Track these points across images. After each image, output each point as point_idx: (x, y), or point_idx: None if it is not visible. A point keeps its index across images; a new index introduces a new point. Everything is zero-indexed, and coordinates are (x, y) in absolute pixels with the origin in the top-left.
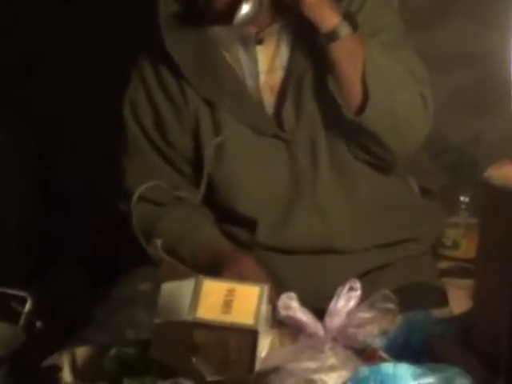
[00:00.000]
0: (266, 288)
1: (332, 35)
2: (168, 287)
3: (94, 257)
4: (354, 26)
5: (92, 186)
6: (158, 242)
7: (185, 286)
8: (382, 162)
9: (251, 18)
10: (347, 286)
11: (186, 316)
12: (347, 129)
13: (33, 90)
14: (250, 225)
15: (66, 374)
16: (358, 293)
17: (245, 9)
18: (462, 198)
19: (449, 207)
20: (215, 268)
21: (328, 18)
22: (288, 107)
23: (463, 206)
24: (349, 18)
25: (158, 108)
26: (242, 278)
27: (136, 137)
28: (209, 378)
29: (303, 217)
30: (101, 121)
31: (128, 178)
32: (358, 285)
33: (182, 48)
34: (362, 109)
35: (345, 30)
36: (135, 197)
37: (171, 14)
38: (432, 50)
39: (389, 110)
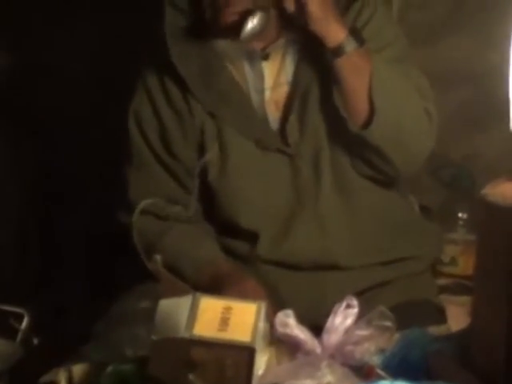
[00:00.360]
0: (263, 305)
1: (338, 50)
2: (165, 304)
3: (92, 272)
4: (361, 41)
5: (91, 199)
6: (158, 257)
7: (182, 303)
8: (385, 177)
9: (258, 33)
10: (344, 304)
11: (183, 333)
12: (351, 143)
13: (33, 98)
14: (251, 238)
15: None
16: (356, 310)
17: (251, 23)
18: (460, 215)
19: (447, 223)
20: (216, 288)
21: (334, 33)
22: (292, 122)
23: (461, 223)
24: (355, 33)
25: (162, 120)
26: (242, 298)
27: (140, 149)
28: None
29: (304, 230)
30: (102, 130)
31: (131, 190)
32: (355, 302)
33: (188, 61)
34: (367, 123)
35: (351, 45)
36: (136, 212)
37: (177, 27)
38: (431, 66)
39: (394, 125)
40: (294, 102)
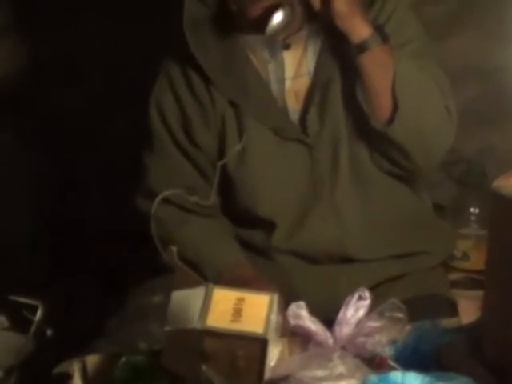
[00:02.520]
0: (276, 297)
1: (363, 46)
2: (178, 295)
3: (105, 266)
4: (385, 38)
5: (106, 194)
6: (174, 248)
7: (195, 294)
8: (405, 173)
9: (284, 27)
10: (356, 296)
11: (195, 324)
12: (372, 138)
13: (42, 89)
14: (267, 228)
15: (77, 381)
16: (367, 302)
17: (277, 19)
18: (471, 210)
19: (459, 219)
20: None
21: (360, 29)
22: (313, 113)
23: (473, 218)
24: (379, 29)
25: (184, 108)
26: None
27: (161, 136)
28: None
29: (320, 221)
30: (115, 123)
31: (150, 177)
32: (367, 294)
33: (208, 50)
34: (389, 120)
35: (376, 41)
36: (157, 201)
37: (197, 16)
38: (444, 61)
39: (416, 122)
40: (314, 92)
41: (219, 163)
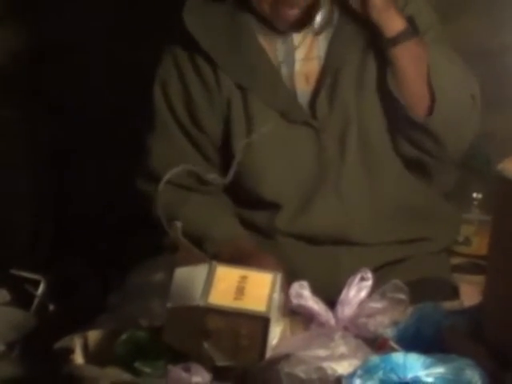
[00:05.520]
0: (279, 276)
1: (397, 39)
2: (181, 272)
3: (107, 243)
4: (416, 30)
5: (107, 172)
6: (179, 224)
7: (198, 272)
8: (430, 159)
9: (324, 27)
10: (358, 276)
11: (198, 301)
12: (403, 127)
13: (48, 75)
14: (271, 210)
15: (78, 356)
16: (370, 283)
17: (319, 19)
18: (474, 195)
19: (461, 204)
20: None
21: (394, 23)
22: (322, 96)
23: (476, 203)
24: (410, 20)
25: (189, 89)
26: None
27: (164, 117)
28: (219, 364)
29: (324, 205)
30: (117, 110)
31: (153, 159)
32: (369, 275)
33: (213, 32)
34: (428, 110)
35: (410, 33)
36: (163, 182)
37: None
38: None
39: (452, 111)
40: (325, 76)
41: (244, 142)
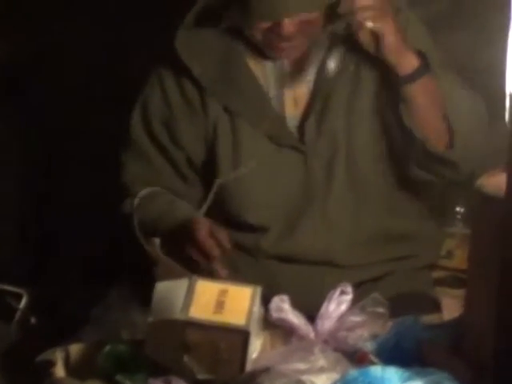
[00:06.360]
0: (259, 290)
1: (412, 77)
2: (162, 286)
3: (90, 255)
4: (428, 64)
5: (90, 184)
6: (157, 240)
7: (178, 286)
8: (441, 181)
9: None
10: (338, 290)
11: (178, 315)
12: (415, 156)
13: (37, 81)
14: (255, 232)
15: (59, 370)
16: (349, 297)
17: (330, 64)
18: (457, 209)
19: (445, 217)
20: (173, 235)
21: (408, 61)
22: (311, 121)
23: (459, 217)
24: (421, 56)
25: (171, 108)
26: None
27: (139, 134)
28: (200, 377)
29: (309, 229)
30: (103, 118)
31: (125, 175)
32: (349, 289)
33: (203, 56)
34: (446, 142)
35: (424, 69)
36: (136, 202)
37: (192, 26)
38: None
39: (469, 139)
40: (314, 101)
41: (217, 181)
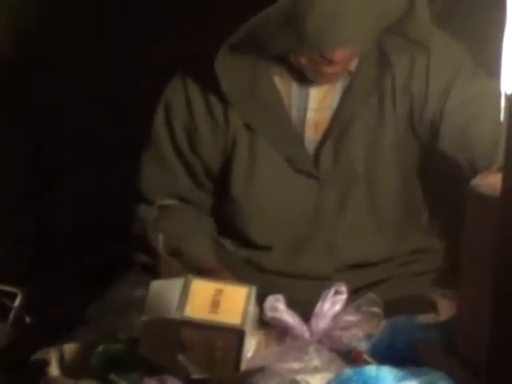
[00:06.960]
0: (254, 289)
1: None
2: (157, 285)
3: (86, 256)
4: None
5: (90, 184)
6: (161, 237)
7: (173, 285)
8: None
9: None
10: (333, 290)
11: (173, 314)
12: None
13: (32, 85)
14: (258, 249)
15: (54, 369)
16: (344, 296)
17: (354, 93)
18: None
19: None
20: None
21: None
22: (328, 148)
23: None
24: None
25: (195, 119)
26: None
27: (160, 139)
28: (194, 376)
29: (314, 253)
30: (100, 119)
31: (142, 180)
32: (343, 288)
33: (233, 73)
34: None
35: None
36: (154, 211)
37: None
38: None
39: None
40: (334, 128)
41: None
